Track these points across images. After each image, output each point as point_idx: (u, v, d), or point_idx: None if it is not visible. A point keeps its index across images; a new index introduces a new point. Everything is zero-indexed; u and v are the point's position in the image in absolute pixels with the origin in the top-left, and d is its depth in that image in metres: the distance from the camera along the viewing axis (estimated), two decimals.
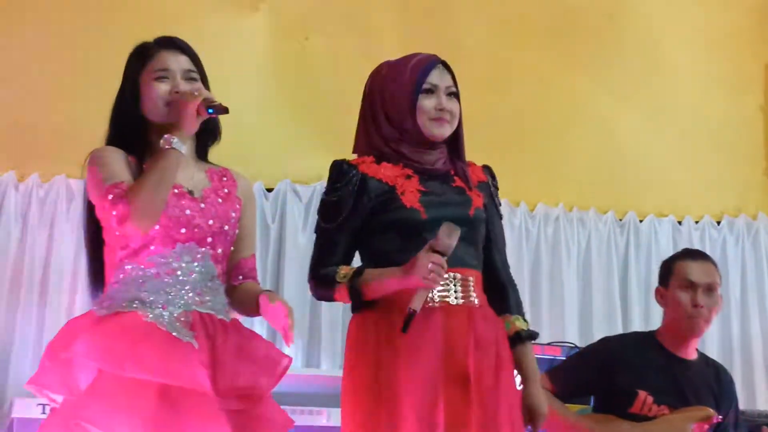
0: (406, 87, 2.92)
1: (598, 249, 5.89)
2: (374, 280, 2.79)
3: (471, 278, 2.87)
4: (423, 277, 2.68)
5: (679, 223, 6.08)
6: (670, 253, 4.21)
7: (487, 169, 3.08)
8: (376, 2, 5.75)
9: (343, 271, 2.82)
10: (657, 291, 3.79)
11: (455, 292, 2.83)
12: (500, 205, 3.09)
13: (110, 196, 2.58)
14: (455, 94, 2.96)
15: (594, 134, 5.95)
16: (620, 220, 6.01)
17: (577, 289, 5.80)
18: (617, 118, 6.00)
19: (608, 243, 5.92)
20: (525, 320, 3.00)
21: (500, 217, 3.08)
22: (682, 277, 3.69)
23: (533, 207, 5.83)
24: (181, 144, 2.64)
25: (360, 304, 2.84)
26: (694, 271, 3.69)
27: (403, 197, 2.85)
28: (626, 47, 6.04)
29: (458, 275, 2.84)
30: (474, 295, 2.86)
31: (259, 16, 5.58)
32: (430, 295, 2.77)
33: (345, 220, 2.87)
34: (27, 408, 4.26)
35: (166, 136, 2.65)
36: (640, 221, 6.02)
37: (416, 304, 2.70)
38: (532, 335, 2.99)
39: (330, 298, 2.89)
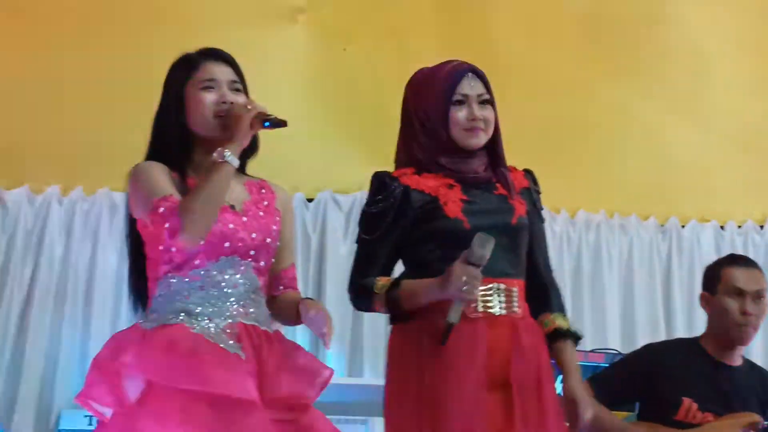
0: (437, 99, 2.91)
1: (640, 255, 5.85)
2: (411, 291, 2.79)
3: (514, 288, 2.86)
4: (458, 289, 2.68)
5: (722, 227, 6.02)
6: (713, 258, 4.19)
7: (528, 173, 3.06)
8: (413, 11, 5.75)
9: (381, 282, 2.83)
10: (702, 297, 3.76)
11: (499, 302, 2.82)
12: (542, 209, 3.07)
13: (161, 209, 2.57)
14: (489, 101, 2.94)
15: (635, 140, 5.92)
16: (662, 225, 5.97)
17: (619, 296, 5.76)
18: (658, 124, 5.96)
19: (650, 249, 5.88)
20: (565, 318, 2.98)
21: (542, 221, 3.07)
22: (730, 284, 3.66)
23: (574, 214, 5.80)
24: (233, 157, 2.64)
25: (398, 315, 2.84)
26: (742, 278, 3.66)
27: (446, 207, 2.85)
28: (667, 54, 6.01)
29: (502, 285, 2.83)
30: (517, 305, 2.85)
31: (298, 27, 5.60)
32: (473, 305, 2.77)
33: (386, 232, 2.88)
34: (74, 420, 4.30)
35: (219, 149, 2.63)
36: (682, 227, 5.98)
37: (453, 317, 2.71)
38: (573, 334, 2.97)
39: (369, 309, 2.90)
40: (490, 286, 2.79)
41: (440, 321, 2.73)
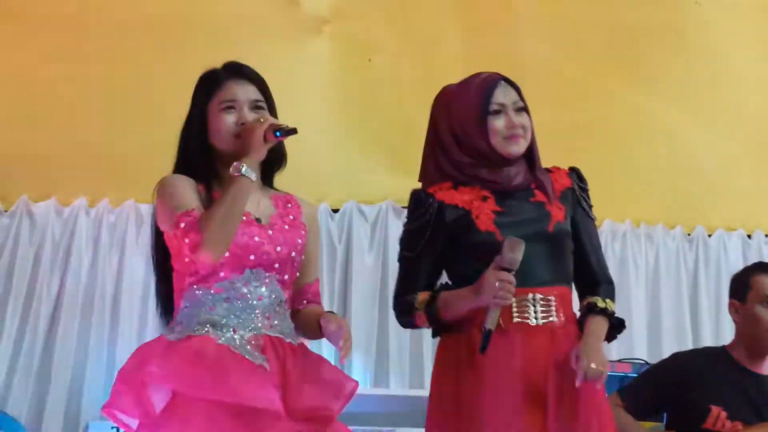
0: (473, 110, 2.92)
1: (667, 264, 5.82)
2: (448, 303, 2.82)
3: (552, 297, 2.84)
4: (492, 295, 2.69)
5: (749, 236, 5.99)
6: (740, 267, 4.16)
7: (573, 172, 3.05)
8: (437, 22, 5.76)
9: (421, 297, 2.86)
10: (731, 305, 3.73)
11: (534, 312, 2.82)
12: (591, 206, 3.05)
13: (182, 224, 2.60)
14: (523, 108, 2.95)
15: (660, 149, 5.90)
16: (689, 234, 5.94)
17: (646, 306, 5.74)
18: (684, 132, 5.94)
19: (677, 258, 5.85)
20: (604, 301, 2.93)
21: (591, 218, 3.04)
22: (762, 292, 3.64)
23: (600, 223, 5.78)
24: (250, 171, 2.65)
25: (439, 328, 2.87)
26: None
27: (478, 221, 2.85)
28: (692, 61, 5.98)
29: (538, 295, 2.83)
30: (556, 314, 2.84)
31: (323, 39, 5.62)
32: (511, 315, 2.78)
33: (424, 248, 2.89)
34: (102, 431, 4.31)
35: (235, 163, 2.65)
36: (709, 236, 5.94)
37: (490, 323, 2.72)
38: (606, 312, 2.92)
39: (413, 325, 2.93)
40: (526, 296, 2.79)
41: (475, 333, 2.75)
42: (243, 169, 2.64)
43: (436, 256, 2.91)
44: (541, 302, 2.83)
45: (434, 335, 2.93)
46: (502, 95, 2.92)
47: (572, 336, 2.86)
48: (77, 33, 5.31)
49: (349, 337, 2.65)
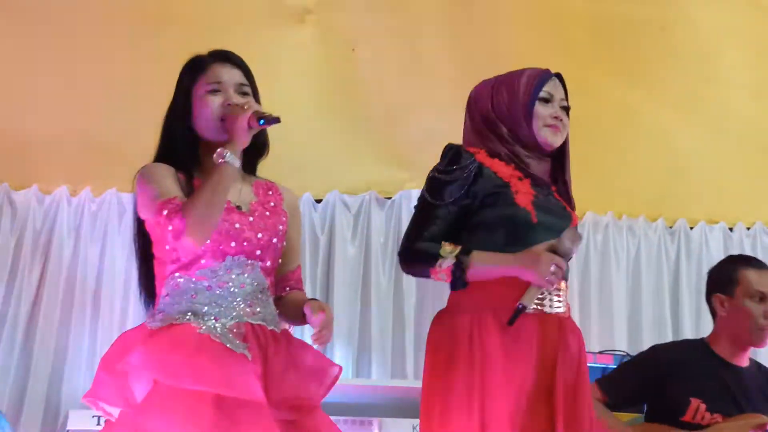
0: (522, 95, 2.96)
1: (648, 257, 5.84)
2: (484, 261, 2.79)
3: (562, 288, 2.89)
4: (543, 275, 2.71)
5: (731, 229, 6.01)
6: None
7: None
8: (421, 12, 5.74)
9: (449, 247, 2.80)
10: (716, 299, 3.73)
11: (550, 300, 2.84)
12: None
13: (165, 212, 2.58)
14: (567, 109, 3.01)
15: (643, 142, 5.90)
16: (670, 227, 5.96)
17: (627, 298, 5.75)
18: (667, 126, 5.94)
19: (658, 250, 5.86)
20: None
21: None
22: (752, 287, 3.65)
23: (582, 215, 5.79)
24: (234, 158, 2.65)
25: (462, 282, 2.80)
26: (764, 281, 3.66)
27: (517, 196, 2.86)
28: (678, 57, 5.98)
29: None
30: (563, 304, 2.88)
31: (306, 28, 5.59)
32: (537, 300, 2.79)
33: (454, 202, 2.86)
34: (82, 420, 4.31)
35: (219, 150, 2.64)
36: (691, 228, 5.96)
37: (527, 300, 2.74)
38: None
39: (423, 274, 2.86)
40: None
41: (489, 314, 2.75)
42: (227, 156, 2.64)
43: (460, 215, 2.87)
44: (555, 291, 2.85)
45: (453, 288, 2.85)
46: (554, 87, 3.00)
47: (575, 329, 2.90)
48: (59, 21, 5.28)
49: (329, 326, 2.64)
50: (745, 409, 3.56)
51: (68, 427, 4.37)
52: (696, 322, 5.69)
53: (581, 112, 5.75)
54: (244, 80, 2.81)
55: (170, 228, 2.57)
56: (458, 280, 2.79)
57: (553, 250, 2.75)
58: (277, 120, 2.71)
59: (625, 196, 5.91)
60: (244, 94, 2.79)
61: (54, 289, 5.08)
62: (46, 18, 5.25)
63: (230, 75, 2.80)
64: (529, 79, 2.98)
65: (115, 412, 2.62)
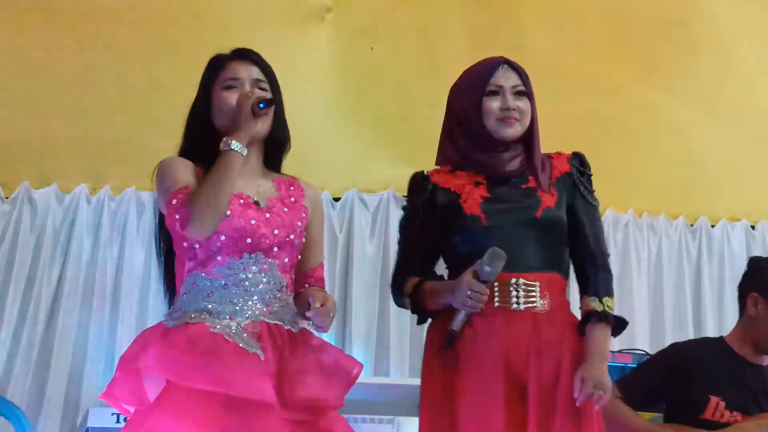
0: (472, 90, 2.94)
1: (669, 255, 5.81)
2: (431, 294, 2.88)
3: (536, 283, 2.85)
4: (461, 301, 2.75)
5: (753, 227, 5.98)
6: (743, 258, 4.14)
7: (575, 157, 3.05)
8: (440, 10, 5.75)
9: (411, 282, 2.91)
10: (752, 297, 3.67)
11: (516, 297, 2.83)
12: (592, 191, 3.03)
13: (174, 201, 2.61)
14: (524, 93, 2.95)
15: (663, 139, 5.89)
16: (692, 225, 5.93)
17: (648, 296, 5.73)
18: (687, 123, 5.92)
19: (679, 249, 5.84)
20: (601, 302, 2.92)
21: (590, 203, 3.01)
22: None
23: (602, 213, 5.76)
24: (240, 145, 2.66)
25: (424, 315, 2.92)
26: None
27: (465, 205, 2.88)
28: (697, 52, 5.97)
29: (521, 280, 2.83)
30: (540, 300, 2.84)
31: (325, 26, 5.60)
32: (493, 299, 2.79)
33: (418, 229, 2.95)
34: (102, 417, 4.33)
35: (224, 138, 2.67)
36: (712, 226, 5.93)
37: (456, 325, 2.79)
38: (605, 316, 2.91)
39: (405, 308, 2.99)
40: (509, 281, 2.80)
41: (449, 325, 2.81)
42: (232, 144, 2.65)
43: (431, 238, 2.95)
44: (524, 287, 2.83)
45: (419, 323, 2.99)
46: (502, 78, 2.94)
47: (557, 322, 2.86)
48: (77, 21, 5.31)
49: (327, 314, 2.64)
50: (765, 407, 3.53)
51: (88, 425, 4.38)
52: (718, 321, 5.66)
53: (601, 110, 5.79)
54: (260, 76, 2.82)
55: (177, 216, 2.59)
56: (419, 317, 2.96)
57: (476, 274, 2.75)
58: (272, 102, 2.74)
59: (645, 194, 5.89)
60: (262, 90, 2.80)
61: (73, 288, 5.10)
62: (66, 18, 5.28)
63: (247, 71, 2.81)
64: (477, 74, 2.96)
65: (132, 410, 2.63)
